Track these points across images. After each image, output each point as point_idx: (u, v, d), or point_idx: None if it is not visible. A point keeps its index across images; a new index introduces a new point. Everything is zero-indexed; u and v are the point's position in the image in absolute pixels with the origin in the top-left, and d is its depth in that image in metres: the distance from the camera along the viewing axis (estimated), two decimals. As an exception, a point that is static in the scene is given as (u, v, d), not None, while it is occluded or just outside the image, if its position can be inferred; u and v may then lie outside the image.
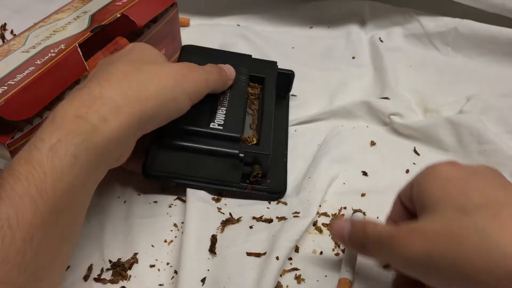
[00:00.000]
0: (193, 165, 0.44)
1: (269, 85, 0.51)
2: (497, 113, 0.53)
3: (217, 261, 0.41)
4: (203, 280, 0.39)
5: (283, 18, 0.70)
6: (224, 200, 0.46)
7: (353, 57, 0.64)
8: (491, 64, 0.61)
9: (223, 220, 0.43)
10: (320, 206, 0.45)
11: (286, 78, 0.55)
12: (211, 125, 0.43)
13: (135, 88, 0.35)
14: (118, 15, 0.50)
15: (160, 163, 0.44)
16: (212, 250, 0.41)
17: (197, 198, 0.45)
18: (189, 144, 0.43)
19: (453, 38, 0.63)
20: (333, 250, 0.42)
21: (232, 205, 0.45)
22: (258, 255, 0.41)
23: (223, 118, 0.44)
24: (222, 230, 0.43)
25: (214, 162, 0.44)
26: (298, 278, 0.40)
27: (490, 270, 0.27)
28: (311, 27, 0.69)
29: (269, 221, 0.44)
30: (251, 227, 0.43)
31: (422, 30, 0.65)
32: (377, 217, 0.44)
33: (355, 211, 0.45)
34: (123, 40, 0.50)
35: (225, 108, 0.45)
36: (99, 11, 0.52)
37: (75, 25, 0.50)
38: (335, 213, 0.45)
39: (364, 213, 0.45)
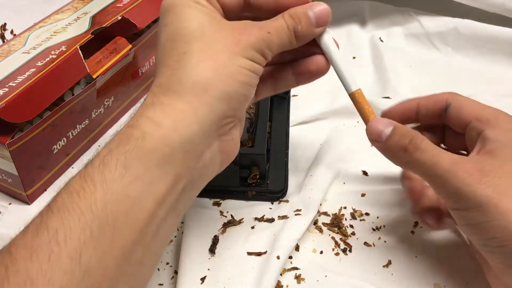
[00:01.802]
0: None
1: None
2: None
3: (218, 260, 0.41)
4: (202, 279, 0.39)
5: (283, 18, 0.70)
6: (225, 204, 0.46)
7: (354, 57, 0.64)
8: (491, 64, 0.61)
9: (224, 223, 0.44)
10: (321, 204, 0.45)
11: None
12: None
13: (187, 80, 0.30)
14: (119, 18, 0.50)
15: None
16: (212, 250, 0.41)
17: (198, 204, 0.45)
18: None
19: (453, 38, 0.63)
20: (333, 250, 0.42)
21: (234, 208, 0.45)
22: (259, 254, 0.41)
23: None
24: (224, 231, 0.43)
25: None
26: (298, 278, 0.40)
27: None
28: (311, 27, 0.69)
29: (271, 220, 0.44)
30: (252, 227, 0.43)
31: (422, 30, 0.65)
32: (377, 217, 0.44)
33: None
34: (122, 40, 0.51)
35: None
36: (100, 13, 0.52)
37: (75, 27, 0.50)
38: (335, 213, 0.45)
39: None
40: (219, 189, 0.46)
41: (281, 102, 0.55)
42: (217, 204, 0.45)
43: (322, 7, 0.35)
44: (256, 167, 0.45)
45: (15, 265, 0.25)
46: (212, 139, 0.32)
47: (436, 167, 0.33)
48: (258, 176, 0.45)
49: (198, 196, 0.45)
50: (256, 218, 0.44)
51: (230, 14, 0.35)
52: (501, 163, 0.33)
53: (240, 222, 0.44)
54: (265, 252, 0.41)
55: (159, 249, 0.31)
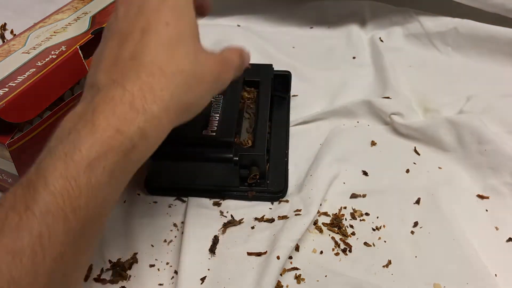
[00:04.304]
0: (193, 174, 0.45)
1: (264, 88, 0.51)
2: (497, 113, 0.53)
3: (218, 261, 0.41)
4: (202, 279, 0.39)
5: (283, 18, 0.70)
6: (225, 204, 0.46)
7: (354, 57, 0.64)
8: (491, 64, 0.61)
9: (224, 223, 0.44)
10: (321, 205, 0.45)
11: (284, 79, 0.55)
12: (204, 132, 0.44)
13: (176, 98, 0.32)
14: (119, 16, 0.50)
15: (161, 176, 0.44)
16: (212, 250, 0.41)
17: (198, 204, 0.45)
18: (185, 153, 0.43)
19: (453, 38, 0.63)
20: (333, 250, 0.42)
21: (234, 208, 0.45)
22: (259, 254, 0.41)
23: (217, 125, 0.45)
24: (224, 231, 0.43)
25: (211, 168, 0.44)
26: (298, 278, 0.40)
27: None
28: (311, 27, 0.69)
29: (271, 220, 0.44)
30: (252, 227, 0.43)
31: (422, 30, 0.65)
32: (377, 217, 0.44)
33: None
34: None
35: (218, 115, 0.46)
36: (100, 13, 0.52)
37: (75, 27, 0.50)
38: (335, 213, 0.45)
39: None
40: (219, 189, 0.46)
41: (281, 102, 0.55)
42: (217, 204, 0.45)
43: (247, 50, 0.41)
44: (256, 167, 0.45)
45: None
46: None
47: None
48: (258, 176, 0.45)
49: (198, 196, 0.46)
50: (256, 218, 0.44)
51: None
52: None
53: (240, 222, 0.44)
54: (265, 252, 0.41)
55: None
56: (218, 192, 0.46)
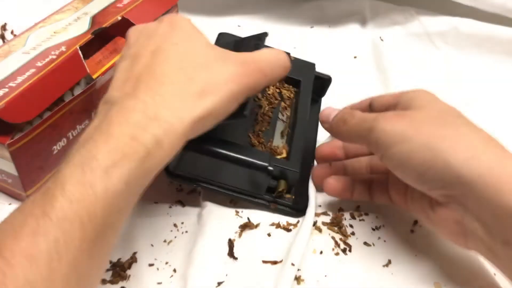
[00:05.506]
0: (219, 172, 0.42)
1: (305, 91, 0.48)
2: (497, 113, 0.53)
3: (233, 266, 0.40)
4: (219, 283, 0.38)
5: (283, 18, 0.70)
6: (241, 203, 0.45)
7: (355, 57, 0.64)
8: (491, 64, 0.61)
9: (241, 225, 0.43)
10: (320, 206, 0.45)
11: (321, 83, 0.52)
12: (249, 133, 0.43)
13: (189, 106, 0.32)
14: (119, 18, 0.51)
15: (186, 164, 0.42)
16: (231, 254, 0.40)
17: (214, 201, 0.44)
18: (220, 151, 0.40)
19: (454, 37, 0.63)
20: (333, 250, 0.42)
21: (250, 209, 0.44)
22: (274, 263, 0.40)
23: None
24: (240, 235, 0.42)
25: (241, 172, 0.41)
26: (298, 279, 0.40)
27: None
28: (312, 27, 0.69)
29: (288, 230, 0.43)
30: (269, 234, 0.43)
31: (422, 29, 0.65)
32: (377, 217, 0.44)
33: None
34: (122, 40, 0.51)
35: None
36: (100, 13, 0.52)
37: (75, 27, 0.50)
38: (335, 213, 0.45)
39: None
40: (242, 192, 0.44)
41: (313, 107, 0.51)
42: (234, 203, 0.45)
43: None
44: (284, 181, 0.43)
45: (13, 271, 0.26)
46: None
47: (363, 124, 0.38)
48: (285, 191, 0.43)
49: (218, 194, 0.44)
50: (273, 224, 0.43)
51: None
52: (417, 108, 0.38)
53: (256, 226, 0.43)
54: (281, 261, 0.40)
55: None
56: (240, 195, 0.44)
